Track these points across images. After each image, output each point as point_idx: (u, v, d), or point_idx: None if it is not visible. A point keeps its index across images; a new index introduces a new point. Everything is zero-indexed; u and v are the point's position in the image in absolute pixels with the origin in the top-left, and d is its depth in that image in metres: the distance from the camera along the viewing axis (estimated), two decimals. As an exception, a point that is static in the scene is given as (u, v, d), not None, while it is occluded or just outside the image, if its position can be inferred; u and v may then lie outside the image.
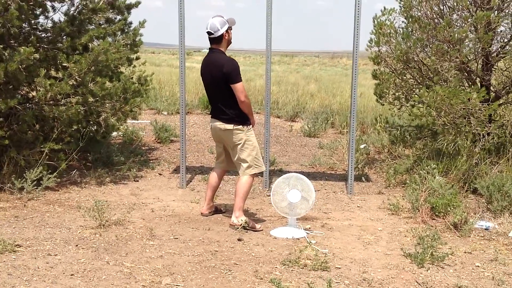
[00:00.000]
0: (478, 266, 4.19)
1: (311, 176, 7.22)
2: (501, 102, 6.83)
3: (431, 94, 6.30)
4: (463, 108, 6.31)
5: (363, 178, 7.03)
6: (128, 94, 6.91)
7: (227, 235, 4.74)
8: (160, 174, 7.08)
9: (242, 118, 4.94)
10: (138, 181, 6.70)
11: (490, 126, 6.23)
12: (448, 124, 6.42)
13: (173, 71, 20.75)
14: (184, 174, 6.49)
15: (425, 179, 6.19)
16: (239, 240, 4.59)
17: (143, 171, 7.15)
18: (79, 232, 4.62)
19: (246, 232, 4.83)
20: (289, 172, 7.38)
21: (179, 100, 6.37)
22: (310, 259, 4.17)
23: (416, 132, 7.54)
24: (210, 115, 5.13)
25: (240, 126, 4.92)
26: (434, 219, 5.26)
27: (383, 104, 7.76)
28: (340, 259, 4.25)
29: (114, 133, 9.05)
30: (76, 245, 4.31)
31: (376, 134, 9.24)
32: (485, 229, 5.08)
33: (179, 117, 6.39)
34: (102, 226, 4.74)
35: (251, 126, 5.03)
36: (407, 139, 7.28)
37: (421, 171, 6.30)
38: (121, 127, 8.48)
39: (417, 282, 3.85)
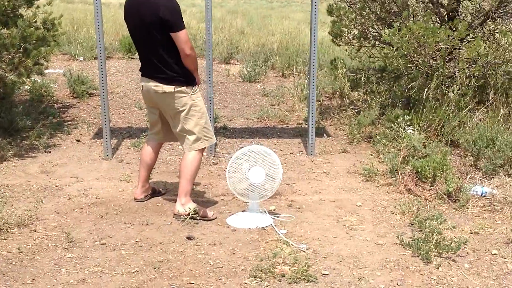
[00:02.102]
0: (495, 255, 3.34)
1: (261, 132, 6.16)
2: (472, 37, 5.95)
3: (403, 32, 5.28)
4: (439, 49, 5.37)
5: (322, 133, 6.04)
6: (30, 44, 5.42)
7: (172, 231, 3.62)
8: (78, 141, 5.76)
9: (186, 77, 3.75)
10: (50, 152, 5.36)
11: (471, 67, 5.34)
12: (422, 67, 5.47)
13: (88, 8, 18.61)
14: (109, 140, 5.22)
15: (397, 133, 5.30)
16: (188, 238, 3.50)
17: (56, 138, 5.79)
18: (-33, 244, 3.36)
19: (197, 224, 3.73)
20: (234, 129, 6.30)
21: (95, 44, 5.04)
22: (287, 264, 3.15)
23: (378, 76, 6.59)
24: (141, 73, 3.89)
25: (184, 88, 3.73)
26: (419, 185, 4.37)
27: (339, 45, 6.70)
28: (324, 259, 3.27)
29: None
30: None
31: (326, 78, 8.22)
32: (481, 195, 4.26)
33: (97, 64, 5.05)
34: (-1, 232, 3.49)
35: (196, 86, 3.84)
36: (370, 84, 6.32)
37: (392, 124, 5.38)
38: (27, 80, 6.97)
39: (432, 289, 2.95)
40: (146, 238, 3.49)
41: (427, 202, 4.11)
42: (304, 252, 3.34)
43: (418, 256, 3.28)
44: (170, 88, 3.70)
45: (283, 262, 3.15)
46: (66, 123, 6.30)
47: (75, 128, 6.16)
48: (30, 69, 5.57)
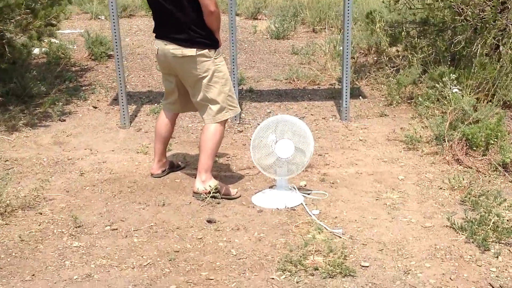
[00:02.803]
0: None
1: (290, 95, 5.67)
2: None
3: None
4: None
5: (358, 94, 5.52)
6: (37, 3, 5.01)
7: (191, 212, 3.24)
8: (95, 108, 5.39)
9: (209, 39, 3.30)
10: (65, 120, 5.01)
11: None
12: (471, 19, 4.84)
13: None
14: (126, 108, 4.83)
15: (441, 93, 4.75)
16: (209, 222, 3.11)
17: (72, 104, 5.44)
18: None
19: (218, 203, 3.33)
20: (261, 91, 5.82)
21: None
22: (321, 253, 2.74)
23: (419, 30, 5.96)
24: (155, 35, 3.43)
25: (206, 51, 3.28)
26: (470, 155, 3.86)
27: (375, -5, 6.07)
28: (363, 246, 2.84)
29: (36, 50, 7.16)
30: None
31: (360, 32, 7.60)
32: (541, 166, 3.73)
33: (110, 24, 4.61)
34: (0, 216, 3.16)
35: (219, 49, 3.37)
36: (410, 38, 5.71)
37: (436, 84, 4.83)
38: (42, 43, 6.59)
39: (492, 286, 2.50)
40: (162, 221, 3.12)
41: (479, 174, 3.62)
42: (340, 238, 2.92)
43: (473, 242, 2.82)
44: (191, 52, 3.25)
45: (316, 251, 2.74)
46: (83, 88, 5.93)
47: (92, 93, 5.79)
48: (40, 31, 5.16)
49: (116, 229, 3.03)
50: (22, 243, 2.90)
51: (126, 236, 2.96)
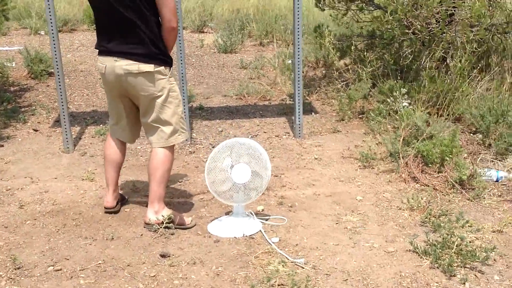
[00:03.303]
0: (528, 262, 2.84)
1: (241, 111, 5.54)
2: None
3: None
4: (438, 11, 4.76)
5: (310, 110, 5.45)
6: (-31, 21, 4.67)
7: (142, 246, 3.03)
8: (35, 130, 5.07)
9: (166, 56, 3.10)
10: (3, 145, 4.68)
11: (474, 30, 4.75)
12: (419, 32, 4.86)
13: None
14: (69, 130, 4.56)
15: (392, 108, 4.74)
16: (162, 256, 2.91)
17: (10, 128, 5.10)
18: None
19: (172, 234, 3.14)
20: (211, 108, 5.65)
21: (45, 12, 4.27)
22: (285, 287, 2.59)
23: (367, 43, 5.97)
24: (100, 51, 3.12)
25: (162, 68, 3.07)
26: (426, 172, 3.83)
27: (324, 9, 6.05)
28: (327, 277, 2.72)
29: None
30: None
31: (308, 46, 7.57)
32: (496, 181, 3.74)
33: (50, 40, 4.33)
34: None
35: (172, 68, 3.19)
36: (358, 52, 5.70)
37: (387, 98, 4.81)
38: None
39: (461, 314, 2.43)
40: (111, 258, 2.89)
41: (437, 193, 3.58)
42: (303, 268, 2.78)
43: (438, 268, 2.75)
44: (149, 67, 3.00)
45: (279, 285, 2.59)
46: (22, 109, 5.59)
47: (32, 114, 5.46)
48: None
49: (60, 269, 2.78)
50: (-46, 292, 2.61)
51: (71, 277, 2.72)
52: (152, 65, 3.02)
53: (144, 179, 3.94)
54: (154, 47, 3.02)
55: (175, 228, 3.17)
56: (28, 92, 6.25)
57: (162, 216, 3.15)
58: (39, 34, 9.91)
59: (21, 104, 5.78)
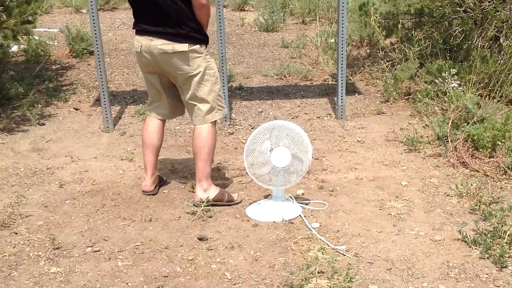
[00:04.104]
0: None
1: (282, 92, 5.41)
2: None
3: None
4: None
5: (353, 91, 5.28)
6: (11, 0, 4.68)
7: (180, 229, 2.98)
8: (76, 109, 5.09)
9: (201, 34, 3.05)
10: (44, 124, 4.72)
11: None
12: (471, 10, 4.60)
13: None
14: (109, 110, 4.54)
15: (440, 89, 4.52)
16: (200, 239, 2.85)
17: (52, 106, 5.13)
18: None
19: (210, 217, 3.07)
20: (251, 88, 5.55)
21: None
22: (324, 275, 2.50)
23: (414, 22, 5.71)
24: (136, 30, 3.13)
25: (198, 46, 3.03)
26: (476, 157, 3.64)
27: (368, -14, 5.81)
28: (369, 265, 2.61)
29: (14, 47, 6.82)
30: None
31: (352, 24, 7.33)
32: (552, 168, 3.52)
33: (89, 18, 4.30)
34: (-29, 238, 2.88)
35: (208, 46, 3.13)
36: (405, 30, 5.47)
37: (435, 79, 4.60)
38: (21, 39, 6.27)
39: (514, 310, 2.28)
40: (148, 240, 2.86)
41: (488, 179, 3.39)
42: (344, 255, 2.68)
43: (488, 259, 2.60)
44: (183, 47, 2.97)
45: (318, 273, 2.49)
46: (63, 88, 5.62)
47: (73, 93, 5.49)
48: (16, 29, 4.84)
49: (99, 250, 2.77)
50: (-7, 270, 2.63)
51: (110, 258, 2.70)
52: (187, 44, 2.98)
53: (183, 160, 3.90)
54: (187, 26, 2.98)
55: (223, 204, 3.16)
56: (69, 70, 6.28)
57: (211, 194, 3.12)
58: (80, 12, 9.97)
59: (62, 83, 5.81)
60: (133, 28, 3.17)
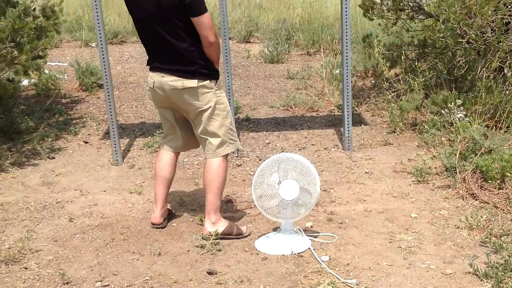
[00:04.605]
0: None
1: (288, 123, 5.46)
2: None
3: (451, 1, 4.48)
4: (493, 20, 4.56)
5: (359, 122, 5.31)
6: (23, 37, 4.78)
7: (189, 262, 2.98)
8: (85, 143, 5.14)
9: (210, 69, 3.12)
10: (54, 158, 4.77)
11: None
12: (473, 41, 4.66)
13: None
14: (118, 143, 4.59)
15: (447, 120, 4.55)
16: (209, 273, 2.85)
17: (62, 140, 5.19)
18: None
19: (219, 251, 3.07)
20: (258, 120, 5.60)
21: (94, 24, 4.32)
22: (334, 310, 2.49)
23: (418, 53, 5.78)
24: (150, 67, 3.21)
25: (208, 82, 3.09)
26: (485, 188, 3.64)
27: (372, 19, 5.91)
28: (380, 299, 2.59)
29: (25, 82, 6.93)
30: None
31: (356, 55, 7.42)
32: (561, 198, 3.51)
33: (98, 52, 4.38)
34: (-19, 273, 2.89)
35: (219, 81, 3.18)
36: (409, 61, 5.54)
37: (442, 110, 4.63)
38: (31, 73, 6.36)
39: None
40: (158, 274, 2.86)
41: (498, 211, 3.39)
42: (355, 290, 2.67)
43: (498, 291, 2.58)
44: (192, 83, 3.04)
45: (329, 308, 2.48)
46: (73, 121, 5.68)
47: (83, 126, 5.55)
48: (28, 65, 4.94)
49: (108, 285, 2.77)
50: (4, 307, 2.63)
51: (119, 295, 2.70)
52: (196, 81, 3.05)
53: (191, 193, 3.92)
54: (196, 63, 3.06)
55: (233, 238, 3.18)
56: (79, 104, 6.37)
57: (219, 227, 3.13)
58: (90, 46, 10.13)
59: (72, 116, 5.89)
60: (147, 65, 3.27)
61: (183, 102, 3.11)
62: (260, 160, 4.48)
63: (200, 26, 2.97)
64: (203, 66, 3.07)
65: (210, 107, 3.10)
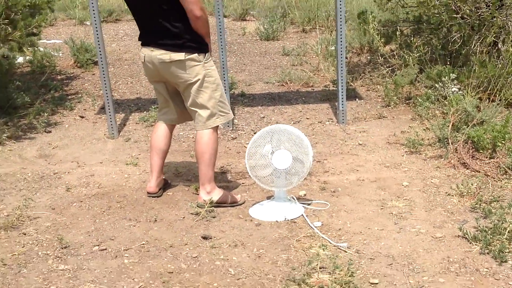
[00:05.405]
0: None
1: (283, 98, 5.49)
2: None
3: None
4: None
5: (354, 96, 5.35)
6: (16, 14, 4.78)
7: (185, 228, 3.04)
8: (81, 117, 5.17)
9: (198, 43, 3.13)
10: (50, 131, 4.80)
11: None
12: (468, 17, 4.68)
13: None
14: (113, 117, 4.62)
15: (441, 94, 4.59)
16: (204, 238, 2.91)
17: (58, 115, 5.21)
18: None
19: (214, 218, 3.13)
20: (253, 95, 5.63)
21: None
22: (326, 270, 2.55)
23: (413, 29, 5.79)
24: (141, 42, 3.25)
25: (195, 55, 3.10)
26: (476, 158, 3.69)
27: (368, -6, 5.90)
28: (371, 261, 2.66)
29: (20, 59, 6.92)
30: None
31: (351, 32, 7.43)
32: (551, 167, 3.57)
33: (92, 29, 4.39)
34: (-19, 239, 2.94)
35: (209, 54, 3.19)
36: (404, 37, 5.56)
37: (436, 84, 4.67)
38: (26, 51, 6.36)
39: (513, 302, 2.33)
40: (154, 239, 2.92)
41: (488, 179, 3.45)
42: (346, 252, 2.73)
43: (488, 254, 2.65)
44: (179, 56, 3.07)
45: (320, 269, 2.54)
46: (69, 97, 5.70)
47: (78, 102, 5.57)
48: (21, 41, 4.93)
49: (105, 249, 2.82)
50: (4, 268, 2.68)
51: (116, 256, 2.75)
52: (183, 53, 3.07)
53: (186, 164, 3.96)
54: (183, 37, 3.08)
55: (228, 206, 3.24)
56: (74, 80, 6.37)
57: (214, 196, 3.18)
58: (84, 24, 10.09)
59: (68, 92, 5.90)
60: (138, 40, 3.29)
61: (172, 75, 3.15)
62: (254, 133, 4.50)
63: (185, 0, 2.98)
64: (190, 40, 3.09)
65: (199, 79, 3.13)
